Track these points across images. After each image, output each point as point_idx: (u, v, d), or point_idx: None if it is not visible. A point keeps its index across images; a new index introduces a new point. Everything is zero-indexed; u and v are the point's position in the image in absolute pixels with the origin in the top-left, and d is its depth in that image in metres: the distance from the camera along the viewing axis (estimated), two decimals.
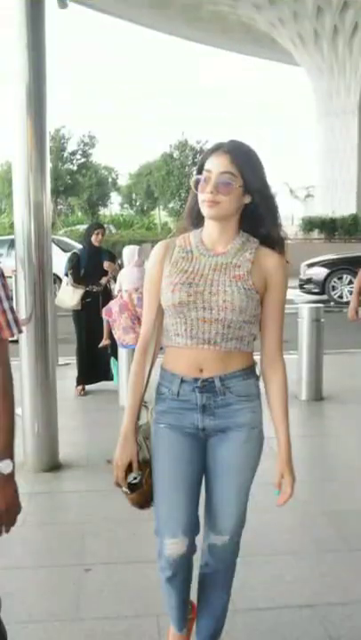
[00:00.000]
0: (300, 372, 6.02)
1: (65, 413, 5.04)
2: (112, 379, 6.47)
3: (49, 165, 4.33)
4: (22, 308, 4.22)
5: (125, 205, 50.25)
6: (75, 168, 39.09)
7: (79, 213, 39.98)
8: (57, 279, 9.71)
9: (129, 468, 2.08)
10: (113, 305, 5.88)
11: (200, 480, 2.11)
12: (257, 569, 3.01)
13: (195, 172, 2.02)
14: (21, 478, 1.80)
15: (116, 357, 6.11)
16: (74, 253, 6.53)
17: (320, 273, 13.86)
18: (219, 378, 2.00)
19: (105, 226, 7.47)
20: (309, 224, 23.64)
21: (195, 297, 1.96)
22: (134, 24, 34.71)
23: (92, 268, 6.30)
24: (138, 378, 2.10)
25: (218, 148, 1.97)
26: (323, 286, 13.74)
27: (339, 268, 13.79)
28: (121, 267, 6.41)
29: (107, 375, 6.49)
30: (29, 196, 4.14)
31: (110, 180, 47.40)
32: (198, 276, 1.98)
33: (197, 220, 2.08)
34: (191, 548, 2.10)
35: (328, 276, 13.76)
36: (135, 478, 2.08)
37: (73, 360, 6.78)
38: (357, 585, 2.89)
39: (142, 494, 2.11)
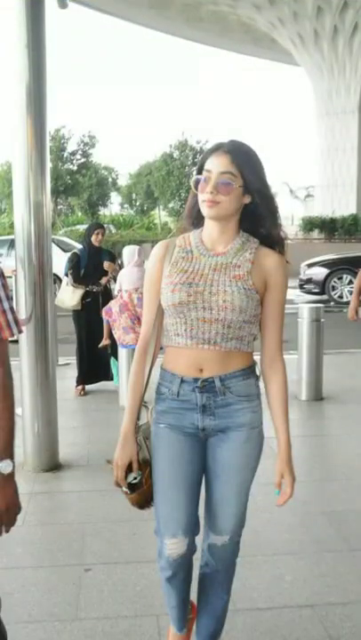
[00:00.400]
0: (300, 372, 6.02)
1: (65, 413, 5.05)
2: (112, 379, 6.47)
3: (49, 165, 4.33)
4: (22, 308, 4.22)
5: (125, 205, 50.28)
6: (75, 168, 39.08)
7: (79, 213, 40.01)
8: (57, 279, 9.73)
9: (129, 468, 2.08)
10: (113, 305, 5.88)
11: (200, 480, 2.11)
12: (257, 569, 3.01)
13: (195, 172, 2.02)
14: (21, 478, 1.81)
15: (116, 357, 6.11)
16: (74, 253, 6.53)
17: (320, 273, 13.86)
18: (219, 378, 2.00)
19: (105, 226, 7.47)
20: (309, 224, 23.64)
21: (195, 297, 1.96)
22: (134, 24, 34.70)
23: (92, 268, 6.31)
24: (138, 378, 2.10)
25: (218, 148, 1.97)
26: (323, 286, 13.74)
27: (339, 267, 13.79)
28: (121, 267, 6.42)
29: (107, 375, 6.49)
30: (29, 196, 4.14)
31: (110, 179, 47.43)
32: (198, 276, 1.98)
33: (197, 220, 2.08)
34: (191, 548, 2.10)
35: (328, 275, 13.76)
36: (135, 478, 2.08)
37: (73, 360, 6.78)
38: (357, 585, 2.89)
39: (142, 494, 2.11)
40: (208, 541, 2.15)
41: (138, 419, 2.11)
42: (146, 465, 2.10)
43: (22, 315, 4.20)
